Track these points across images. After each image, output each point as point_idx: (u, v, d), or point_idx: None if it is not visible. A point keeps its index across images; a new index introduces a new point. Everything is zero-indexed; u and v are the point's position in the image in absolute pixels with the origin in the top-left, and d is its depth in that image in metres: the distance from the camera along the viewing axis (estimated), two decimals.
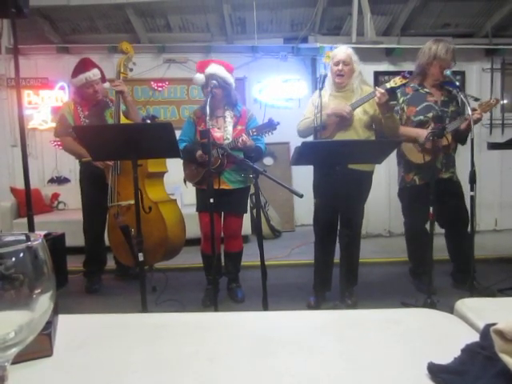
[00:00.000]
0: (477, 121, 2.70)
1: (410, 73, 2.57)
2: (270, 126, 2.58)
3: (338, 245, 2.76)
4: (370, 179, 2.80)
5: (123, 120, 3.07)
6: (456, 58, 2.90)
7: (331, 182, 2.43)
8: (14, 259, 0.34)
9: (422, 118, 2.86)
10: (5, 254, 0.34)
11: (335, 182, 2.35)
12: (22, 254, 0.35)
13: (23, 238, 0.39)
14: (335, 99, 2.70)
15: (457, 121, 2.80)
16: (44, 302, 0.36)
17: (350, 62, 2.67)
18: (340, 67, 2.66)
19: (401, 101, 2.95)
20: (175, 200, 3.16)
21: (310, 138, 2.75)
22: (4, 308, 0.34)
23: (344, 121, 2.63)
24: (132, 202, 2.80)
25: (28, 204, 2.37)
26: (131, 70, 3.10)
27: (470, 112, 2.55)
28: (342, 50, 2.72)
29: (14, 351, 0.35)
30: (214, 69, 2.71)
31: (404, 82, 2.52)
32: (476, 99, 3.07)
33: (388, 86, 2.51)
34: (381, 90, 2.48)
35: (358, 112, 2.65)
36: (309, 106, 2.82)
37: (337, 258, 2.77)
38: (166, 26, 5.71)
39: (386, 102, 2.49)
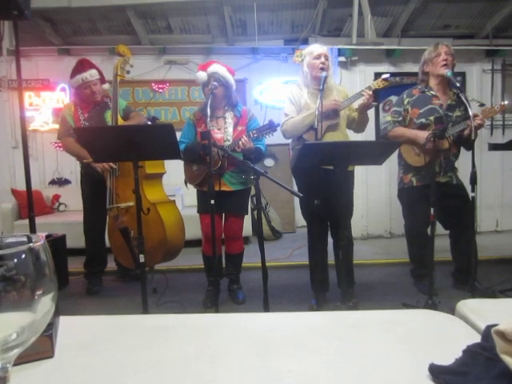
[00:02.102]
0: (478, 127, 2.69)
1: (393, 75, 2.63)
2: (271, 127, 2.58)
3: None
4: (353, 178, 2.81)
5: (120, 122, 3.08)
6: (456, 57, 2.91)
7: (318, 184, 2.45)
8: (15, 261, 0.34)
9: (423, 120, 2.85)
10: (7, 256, 0.34)
11: (324, 183, 2.37)
12: (23, 256, 0.35)
13: (25, 239, 0.39)
14: (314, 97, 2.67)
15: (458, 125, 2.80)
16: (46, 303, 0.36)
17: (328, 57, 2.72)
18: (323, 60, 2.67)
19: (405, 102, 2.95)
20: (174, 201, 3.16)
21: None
22: (6, 309, 0.34)
23: (332, 120, 2.65)
24: (130, 203, 2.81)
25: (30, 205, 2.37)
26: (128, 72, 3.10)
27: (470, 113, 2.55)
28: (320, 46, 2.75)
29: (15, 352, 0.35)
30: (216, 68, 2.72)
31: (386, 84, 2.63)
32: (481, 104, 3.06)
33: (373, 87, 2.61)
34: (369, 91, 2.55)
35: (342, 113, 2.70)
36: (288, 104, 2.78)
37: (331, 260, 2.80)
38: (167, 27, 5.72)
39: (370, 103, 2.61)
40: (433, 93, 2.90)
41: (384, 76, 2.64)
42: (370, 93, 2.54)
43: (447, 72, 2.76)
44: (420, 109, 2.88)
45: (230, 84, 2.76)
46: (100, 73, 3.14)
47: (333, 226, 2.74)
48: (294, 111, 2.72)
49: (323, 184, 2.51)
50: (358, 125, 2.79)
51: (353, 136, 3.02)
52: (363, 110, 2.65)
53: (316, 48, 2.73)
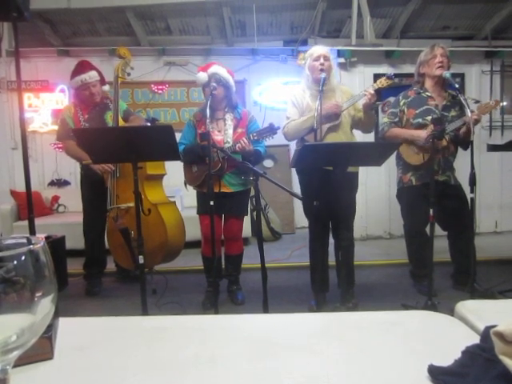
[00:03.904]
0: (475, 122, 2.71)
1: (409, 75, 2.60)
2: (271, 130, 2.59)
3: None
4: (357, 180, 2.81)
5: (121, 123, 3.08)
6: (454, 59, 2.94)
7: (322, 184, 2.45)
8: (15, 262, 0.34)
9: (420, 120, 2.87)
10: (6, 257, 0.34)
11: (326, 184, 2.37)
12: (23, 257, 0.35)
13: (24, 241, 0.39)
14: (316, 99, 2.65)
15: (455, 122, 2.81)
16: (45, 304, 0.36)
17: (329, 57, 2.71)
18: (322, 61, 2.66)
19: (401, 103, 2.97)
20: (174, 202, 3.17)
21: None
22: (5, 311, 0.34)
23: (331, 121, 2.64)
24: (131, 204, 2.81)
25: (29, 206, 2.37)
26: (129, 74, 3.11)
27: (469, 114, 2.55)
28: (321, 47, 2.75)
29: (15, 354, 0.35)
30: (216, 68, 2.74)
31: (389, 82, 2.58)
32: (476, 101, 3.08)
33: (376, 86, 2.58)
34: (371, 91, 2.53)
35: (345, 113, 2.68)
36: (290, 107, 2.78)
37: (331, 261, 2.79)
38: (167, 28, 5.72)
39: (374, 102, 2.57)
40: (428, 94, 2.93)
41: (388, 74, 2.60)
42: (372, 92, 2.52)
43: (446, 73, 2.77)
44: (416, 109, 2.90)
45: (230, 85, 2.77)
46: (100, 74, 3.14)
47: (335, 226, 2.74)
48: (297, 114, 2.72)
49: (327, 185, 2.51)
50: (364, 125, 2.77)
51: (360, 136, 3.02)
52: (367, 109, 2.63)
53: (316, 49, 2.73)
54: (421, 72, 2.96)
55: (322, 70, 2.64)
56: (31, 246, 0.36)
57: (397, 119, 2.96)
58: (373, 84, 2.63)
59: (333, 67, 2.75)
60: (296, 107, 2.74)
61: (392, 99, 3.45)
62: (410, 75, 3.24)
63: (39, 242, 0.37)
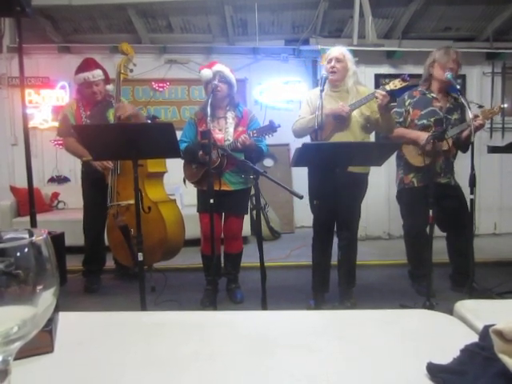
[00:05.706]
0: (479, 127, 2.71)
1: (393, 77, 2.55)
2: (271, 128, 2.59)
3: (333, 247, 2.78)
4: (366, 181, 2.80)
5: None
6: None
7: (328, 184, 2.44)
8: (18, 254, 0.34)
9: (425, 121, 2.87)
10: (9, 250, 0.34)
11: (332, 184, 2.37)
12: (25, 250, 0.35)
13: (26, 234, 0.39)
14: (331, 99, 2.68)
15: (458, 126, 2.82)
16: (47, 297, 0.36)
17: (343, 59, 2.67)
18: (333, 64, 2.66)
19: (407, 103, 2.96)
20: (174, 200, 3.17)
21: (305, 139, 2.75)
22: (8, 303, 0.34)
23: (341, 122, 2.63)
24: (131, 201, 2.80)
25: (31, 201, 2.37)
26: (131, 70, 3.11)
27: (470, 116, 2.56)
28: (336, 49, 2.74)
29: (17, 345, 0.35)
30: (220, 66, 2.77)
31: (404, 84, 2.51)
32: (480, 106, 3.08)
33: (388, 88, 2.52)
34: (382, 92, 2.47)
35: (355, 114, 2.65)
36: (303, 106, 2.81)
37: (334, 261, 2.79)
38: (168, 26, 5.72)
39: (387, 103, 2.49)
40: (433, 95, 2.93)
41: (403, 76, 2.51)
42: (383, 93, 2.45)
43: (447, 74, 2.77)
44: (421, 110, 2.90)
45: (233, 83, 2.79)
46: (105, 73, 3.14)
47: (339, 226, 2.74)
48: (308, 112, 2.72)
49: (330, 184, 2.49)
50: (382, 127, 2.72)
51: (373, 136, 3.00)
52: (382, 111, 2.55)
53: (331, 51, 2.73)
54: (428, 71, 2.93)
55: (332, 73, 2.64)
56: (33, 239, 0.36)
57: (401, 119, 2.95)
58: (385, 85, 2.54)
59: (349, 68, 2.69)
60: (309, 106, 2.75)
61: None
62: (412, 76, 3.23)
63: (42, 234, 0.37)
